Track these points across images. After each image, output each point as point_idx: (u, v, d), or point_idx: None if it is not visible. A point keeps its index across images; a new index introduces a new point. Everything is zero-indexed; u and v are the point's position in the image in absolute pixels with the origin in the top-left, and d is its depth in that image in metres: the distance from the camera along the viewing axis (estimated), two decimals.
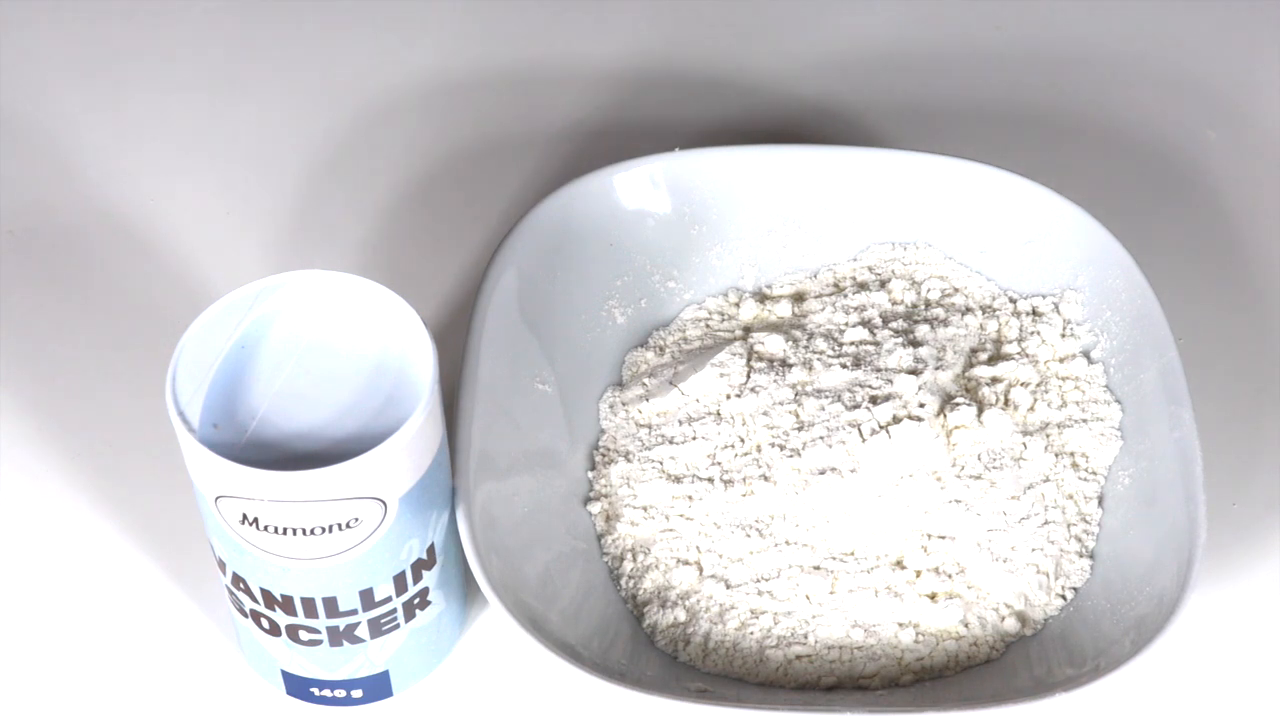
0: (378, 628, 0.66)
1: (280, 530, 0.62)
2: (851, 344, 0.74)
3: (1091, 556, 0.70)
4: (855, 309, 0.76)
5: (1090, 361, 0.75)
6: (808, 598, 0.69)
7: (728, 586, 0.69)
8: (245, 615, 0.67)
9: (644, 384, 0.76)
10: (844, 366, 0.73)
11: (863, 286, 0.77)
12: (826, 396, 0.72)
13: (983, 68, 0.90)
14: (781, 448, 0.71)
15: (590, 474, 0.74)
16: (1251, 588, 0.72)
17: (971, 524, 0.70)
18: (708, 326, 0.78)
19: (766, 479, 0.70)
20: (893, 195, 0.78)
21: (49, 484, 0.75)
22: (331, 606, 0.65)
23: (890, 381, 0.71)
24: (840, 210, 0.79)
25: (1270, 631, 0.71)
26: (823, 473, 0.70)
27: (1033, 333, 0.75)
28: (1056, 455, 0.72)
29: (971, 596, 0.69)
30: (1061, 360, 0.75)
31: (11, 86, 0.90)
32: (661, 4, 0.93)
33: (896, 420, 0.70)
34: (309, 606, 0.65)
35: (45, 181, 0.86)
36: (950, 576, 0.69)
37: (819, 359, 0.74)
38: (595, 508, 0.72)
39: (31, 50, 0.91)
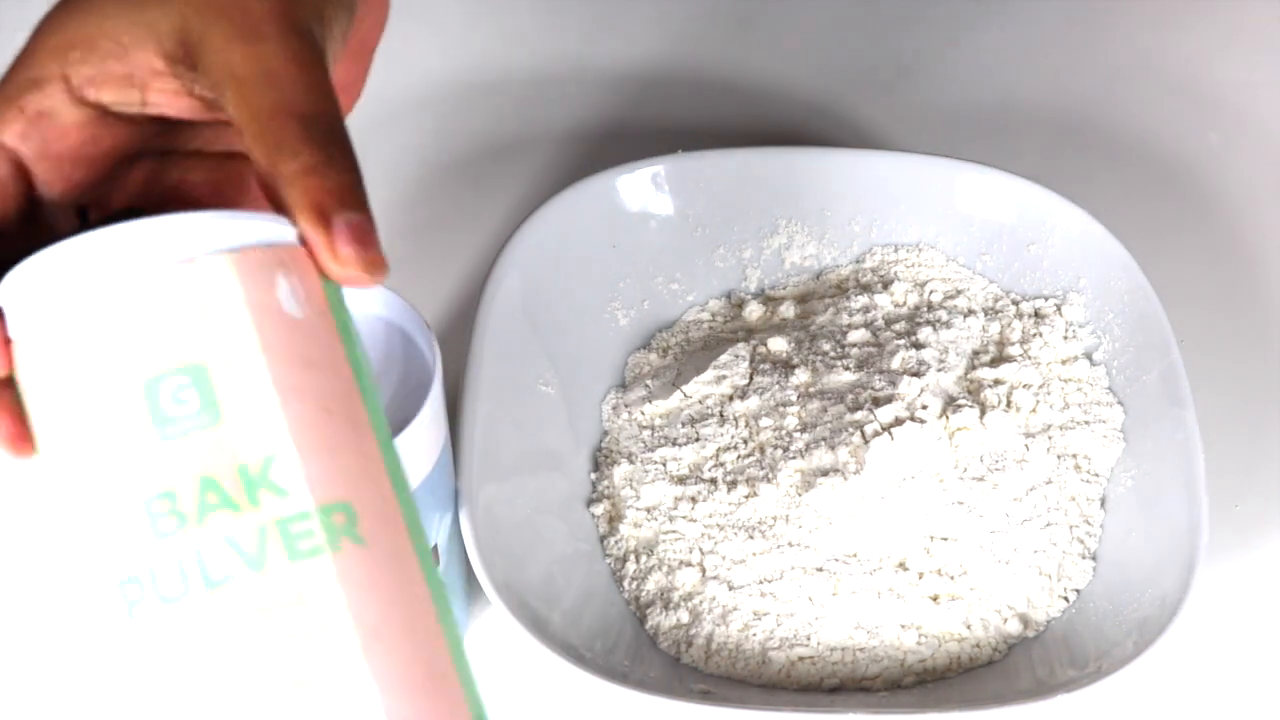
0: None
1: None
2: (854, 346, 0.74)
3: (1094, 558, 0.71)
4: (858, 311, 0.76)
5: (1092, 363, 0.75)
6: (810, 599, 0.69)
7: (730, 588, 0.69)
8: None
9: (647, 385, 0.76)
10: (847, 368, 0.73)
11: (865, 288, 0.77)
12: (829, 398, 0.72)
13: (985, 70, 0.90)
14: (784, 449, 0.71)
15: (593, 475, 0.74)
16: (1254, 589, 0.72)
17: (974, 526, 0.70)
18: (710, 328, 0.78)
19: (769, 480, 0.71)
20: (895, 197, 0.79)
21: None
22: None
23: (893, 383, 0.72)
24: (843, 212, 0.79)
25: (1272, 633, 0.71)
26: (825, 474, 0.70)
27: (1035, 335, 0.75)
28: (1059, 457, 0.72)
29: (974, 598, 0.69)
30: (1064, 362, 0.75)
31: None
32: (665, 6, 0.93)
33: (899, 422, 0.70)
34: None
35: None
36: (953, 578, 0.69)
37: (822, 361, 0.74)
38: (598, 509, 0.72)
39: None
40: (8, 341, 0.48)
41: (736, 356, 0.75)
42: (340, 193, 0.48)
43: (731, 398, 0.74)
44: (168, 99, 0.50)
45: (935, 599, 0.69)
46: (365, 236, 0.48)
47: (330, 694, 0.45)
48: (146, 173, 0.53)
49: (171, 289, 0.46)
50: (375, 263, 0.48)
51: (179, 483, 0.46)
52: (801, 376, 0.73)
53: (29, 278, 0.47)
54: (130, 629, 0.46)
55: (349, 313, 0.49)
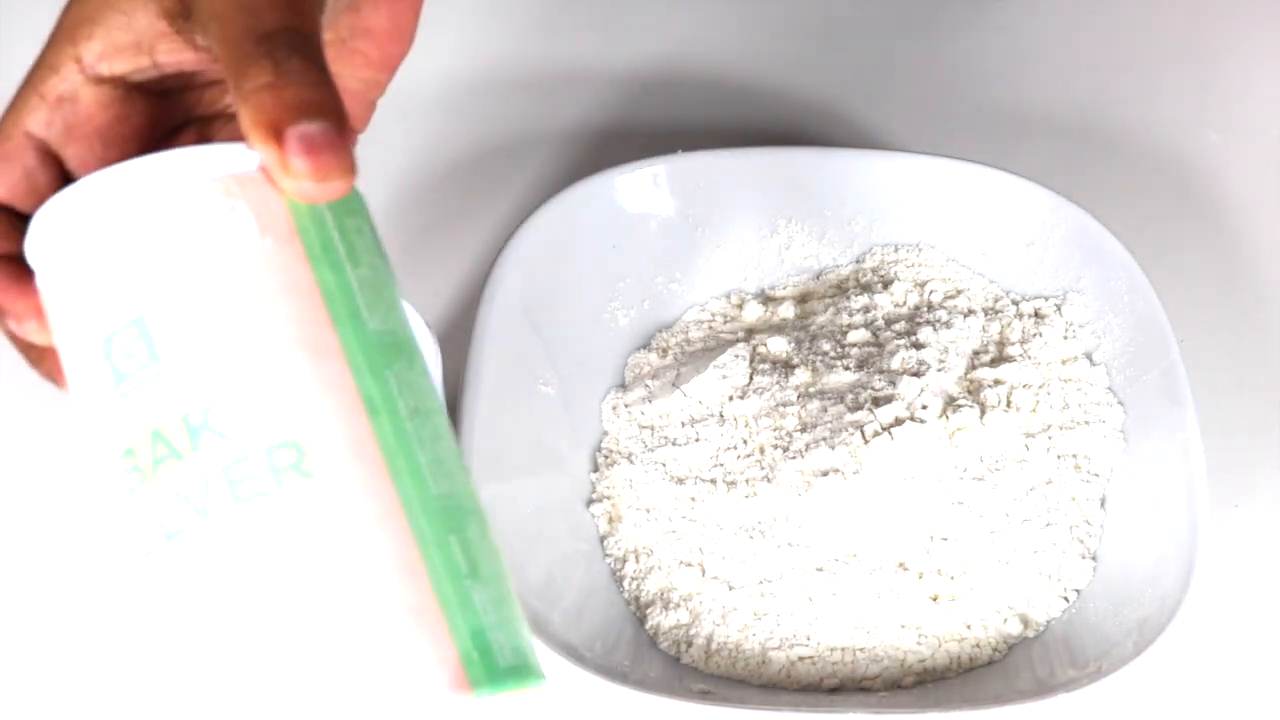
0: None
1: None
2: (854, 346, 0.74)
3: (1094, 558, 0.71)
4: (858, 311, 0.76)
5: (1092, 363, 0.75)
6: (810, 599, 0.69)
7: (730, 588, 0.69)
8: None
9: (647, 386, 0.76)
10: (847, 368, 0.73)
11: (866, 288, 0.77)
12: (829, 398, 0.72)
13: (986, 70, 0.90)
14: (784, 449, 0.71)
15: (593, 476, 0.74)
16: (1253, 590, 0.72)
17: (974, 526, 0.70)
18: (710, 328, 0.78)
19: (769, 481, 0.70)
20: (895, 197, 0.79)
21: (50, 484, 0.76)
22: None
23: (893, 383, 0.72)
24: (843, 212, 0.79)
25: (1272, 633, 0.71)
26: (825, 474, 0.70)
27: (1035, 335, 0.75)
28: (1059, 457, 0.72)
29: (974, 598, 0.69)
30: (1064, 362, 0.75)
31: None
32: (665, 6, 0.93)
33: (899, 422, 0.70)
34: None
35: None
36: (952, 578, 0.69)
37: (822, 360, 0.74)
38: (598, 509, 0.72)
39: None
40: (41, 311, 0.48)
41: (736, 356, 0.75)
42: (298, 105, 0.45)
43: (731, 398, 0.74)
44: (175, 57, 0.50)
45: (935, 599, 0.69)
46: (319, 146, 0.45)
47: (288, 638, 0.44)
48: (193, 139, 0.53)
49: (116, 241, 0.46)
50: (328, 169, 0.45)
51: (135, 438, 0.45)
52: (801, 377, 0.73)
53: (28, 246, 0.48)
54: (130, 584, 0.46)
55: (338, 232, 0.47)
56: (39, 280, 0.48)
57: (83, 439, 0.47)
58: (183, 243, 0.46)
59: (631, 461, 0.73)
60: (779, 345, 0.75)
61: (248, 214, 0.46)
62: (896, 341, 0.74)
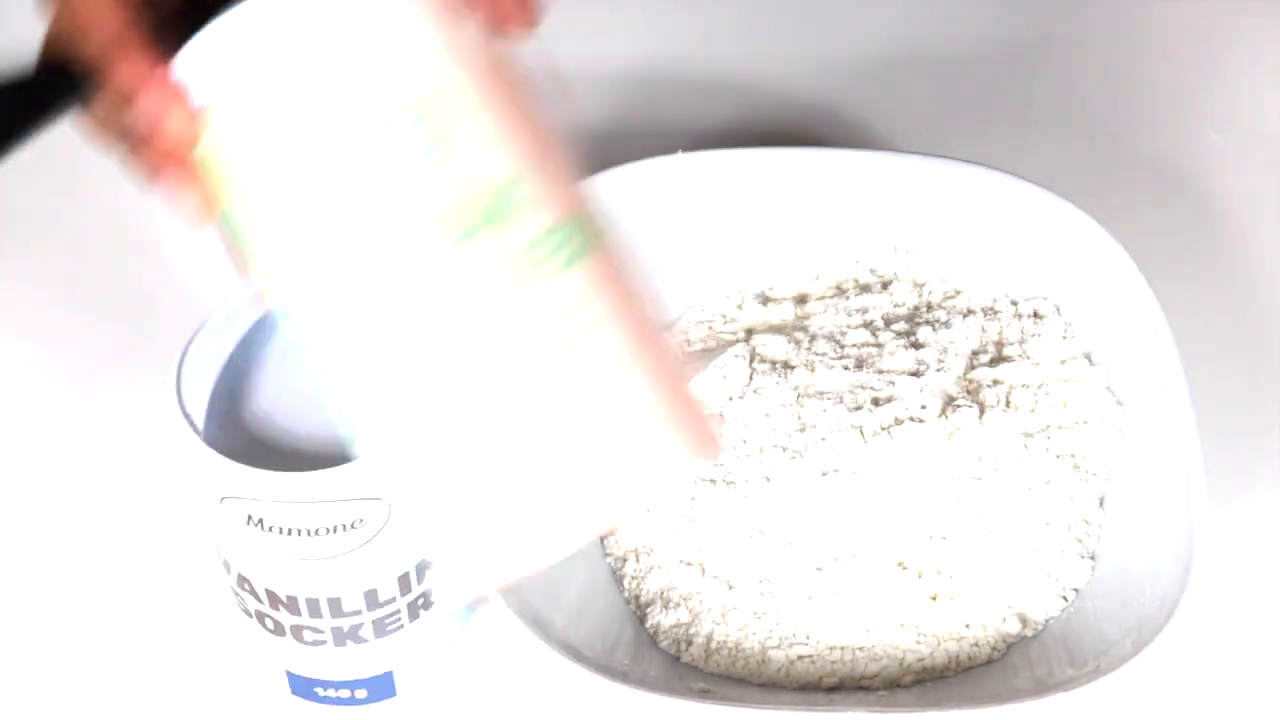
0: (382, 628, 0.67)
1: (285, 531, 0.62)
2: (854, 346, 0.74)
3: (1092, 558, 0.71)
4: (857, 311, 0.76)
5: (1091, 363, 0.75)
6: (810, 598, 0.69)
7: (730, 587, 0.69)
8: (250, 616, 0.67)
9: None
10: (846, 368, 0.73)
11: (865, 288, 0.77)
12: (829, 398, 0.72)
13: (984, 70, 0.90)
14: (784, 449, 0.71)
15: None
16: (1252, 589, 0.72)
17: (973, 525, 0.70)
18: (710, 329, 0.78)
19: (769, 480, 0.71)
20: (895, 197, 0.79)
21: (50, 486, 0.76)
22: (336, 607, 0.65)
23: (892, 383, 0.72)
24: (842, 212, 0.79)
25: (1271, 632, 0.71)
26: (825, 474, 0.70)
27: (1034, 335, 0.76)
28: (1057, 457, 0.72)
29: (972, 597, 0.69)
30: (1062, 362, 0.75)
31: None
32: (664, 6, 0.93)
33: (898, 422, 0.70)
34: (313, 607, 0.65)
35: (50, 183, 0.86)
36: (951, 577, 0.69)
37: (821, 361, 0.74)
38: None
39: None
40: (193, 115, 0.50)
41: (736, 357, 0.75)
42: None
43: (731, 398, 0.74)
44: None
45: (934, 598, 0.69)
46: None
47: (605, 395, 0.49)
48: None
49: (389, 32, 0.49)
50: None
51: (451, 205, 0.49)
52: (800, 377, 0.73)
53: (227, 40, 0.49)
54: (442, 342, 0.49)
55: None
56: (211, 78, 0.49)
57: (338, 221, 0.49)
58: (446, 39, 0.50)
59: None
60: (777, 346, 0.75)
61: (479, 30, 0.51)
62: (895, 342, 0.74)
